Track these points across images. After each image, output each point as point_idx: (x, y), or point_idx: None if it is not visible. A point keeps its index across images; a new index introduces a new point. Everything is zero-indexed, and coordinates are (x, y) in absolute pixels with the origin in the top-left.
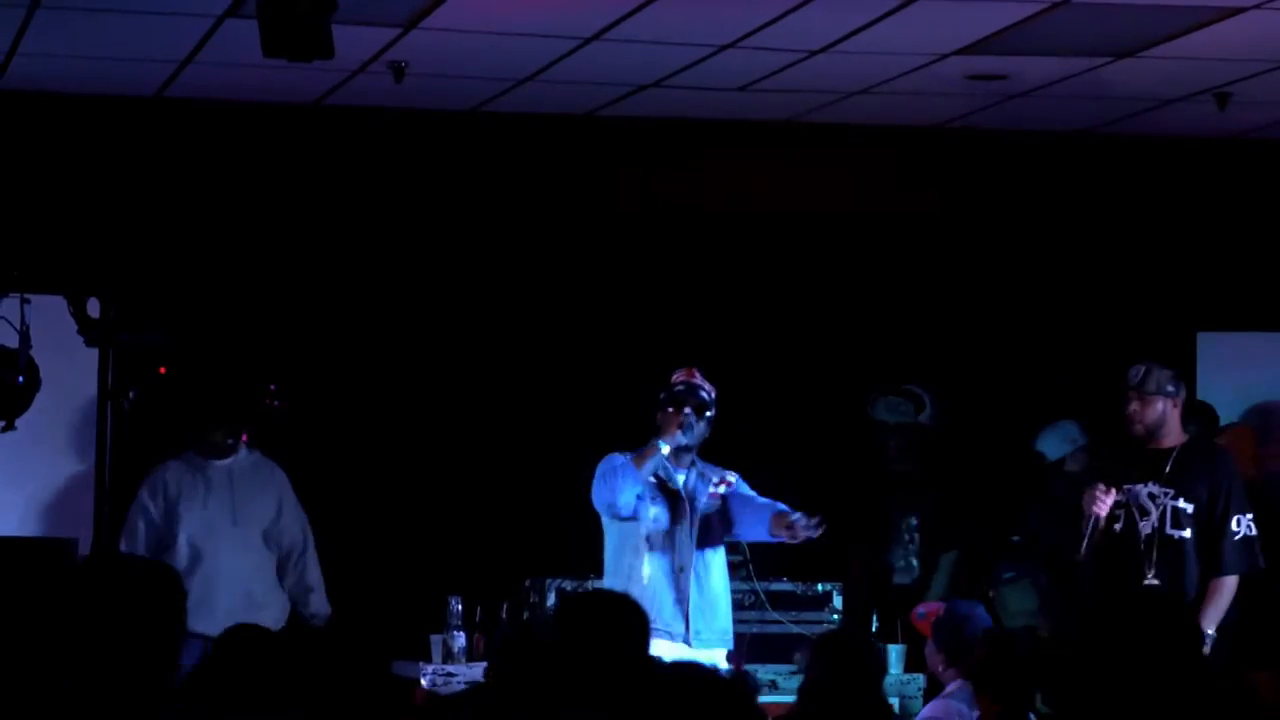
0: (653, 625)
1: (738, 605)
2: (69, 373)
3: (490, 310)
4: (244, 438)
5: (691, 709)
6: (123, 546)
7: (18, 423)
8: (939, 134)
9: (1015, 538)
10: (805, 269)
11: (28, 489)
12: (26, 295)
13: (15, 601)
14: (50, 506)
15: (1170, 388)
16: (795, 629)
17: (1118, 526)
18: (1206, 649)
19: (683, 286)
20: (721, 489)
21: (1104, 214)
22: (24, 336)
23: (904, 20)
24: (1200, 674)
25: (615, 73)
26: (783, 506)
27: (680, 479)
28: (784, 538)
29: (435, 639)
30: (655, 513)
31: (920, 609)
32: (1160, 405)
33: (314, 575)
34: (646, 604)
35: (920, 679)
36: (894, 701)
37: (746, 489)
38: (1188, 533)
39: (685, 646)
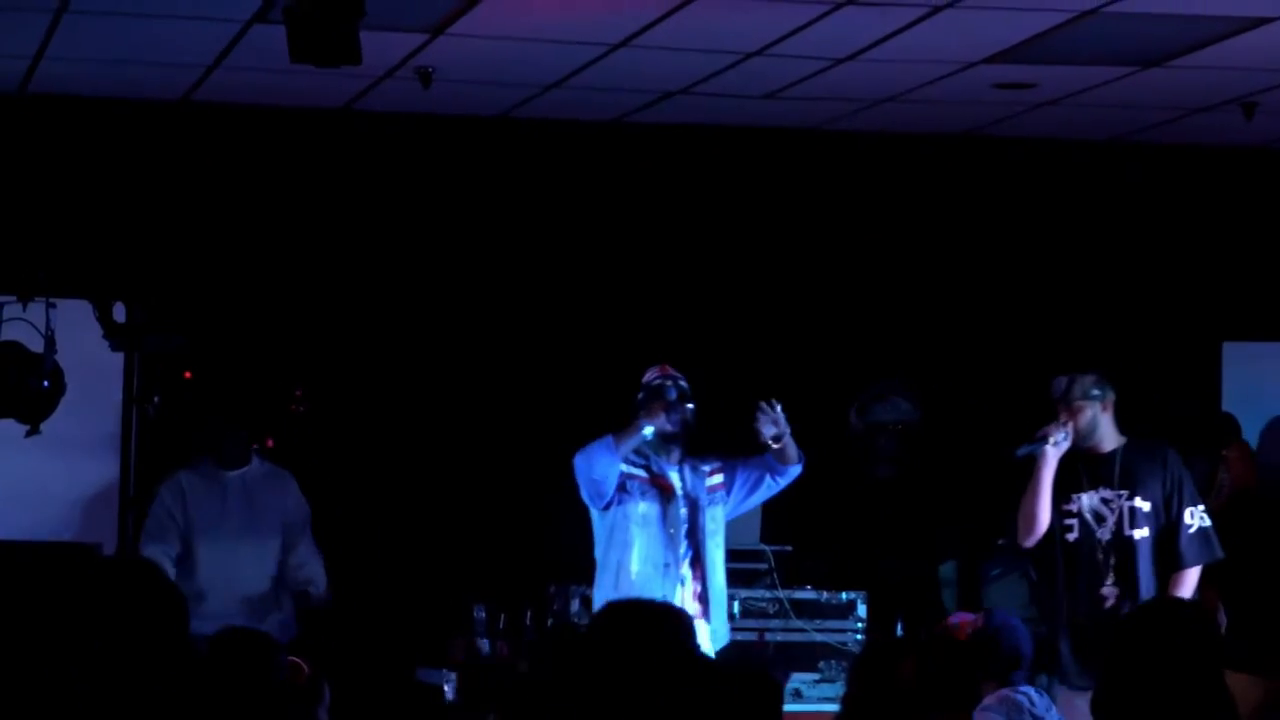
0: None
1: (761, 614)
2: (94, 377)
3: (516, 317)
4: (269, 443)
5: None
6: (144, 547)
7: (43, 427)
8: (966, 142)
9: (1000, 540)
10: (833, 277)
11: (52, 493)
12: (52, 299)
13: (38, 606)
14: (74, 511)
15: (1095, 391)
16: (819, 638)
17: (1071, 537)
18: None
19: (713, 295)
20: (718, 478)
21: (1130, 223)
22: (49, 341)
23: (931, 28)
24: (1221, 685)
25: (642, 79)
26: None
27: (674, 476)
28: (772, 456)
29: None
30: (644, 507)
31: (954, 618)
32: (1089, 411)
33: (307, 551)
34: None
35: None
36: None
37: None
38: (1146, 531)
39: None
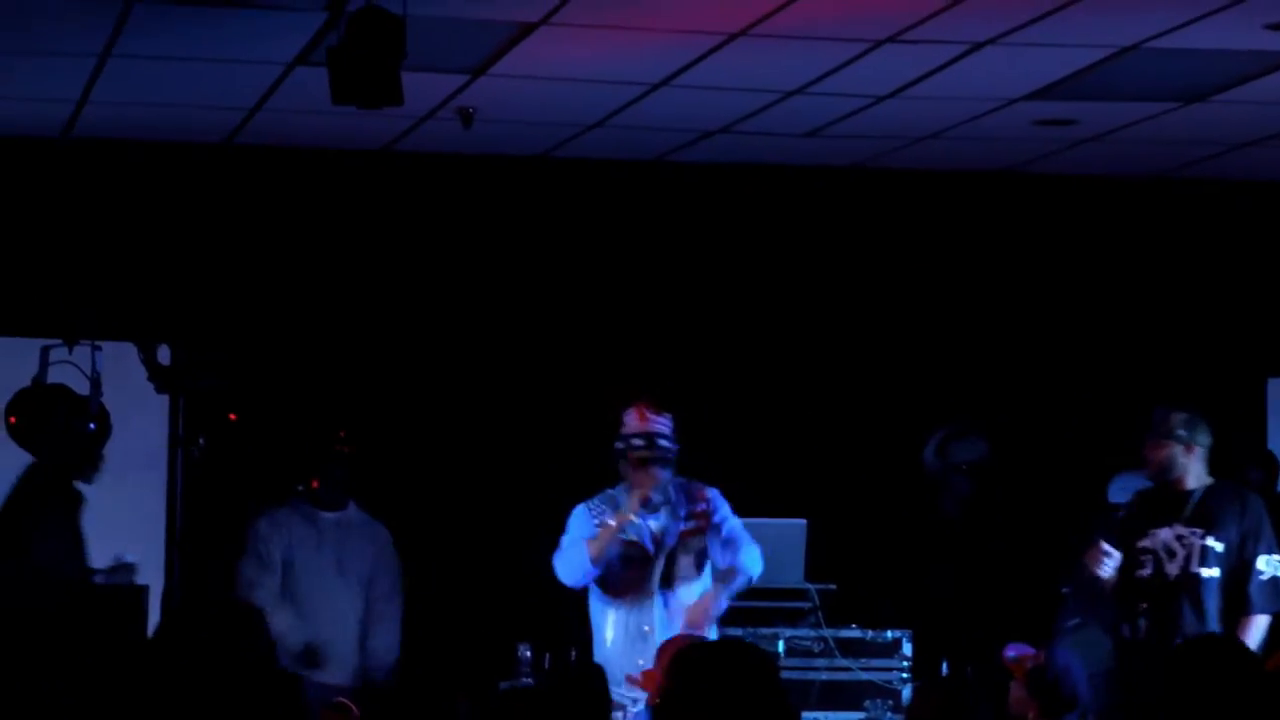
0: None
1: (806, 653)
2: (140, 419)
3: (560, 357)
4: (314, 484)
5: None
6: (251, 577)
7: None
8: (1007, 178)
9: (1065, 588)
10: (874, 316)
11: (98, 536)
12: (98, 342)
13: (87, 649)
14: (121, 554)
15: (1181, 432)
16: (864, 676)
17: (1145, 573)
18: None
19: (752, 334)
20: (700, 523)
21: (1173, 259)
22: (95, 383)
23: (972, 65)
24: None
25: (683, 119)
26: (745, 551)
27: (652, 525)
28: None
29: (504, 686)
30: (615, 568)
31: (1010, 650)
32: (1170, 449)
33: (382, 611)
34: (608, 670)
35: None
36: None
37: (725, 513)
38: (1216, 571)
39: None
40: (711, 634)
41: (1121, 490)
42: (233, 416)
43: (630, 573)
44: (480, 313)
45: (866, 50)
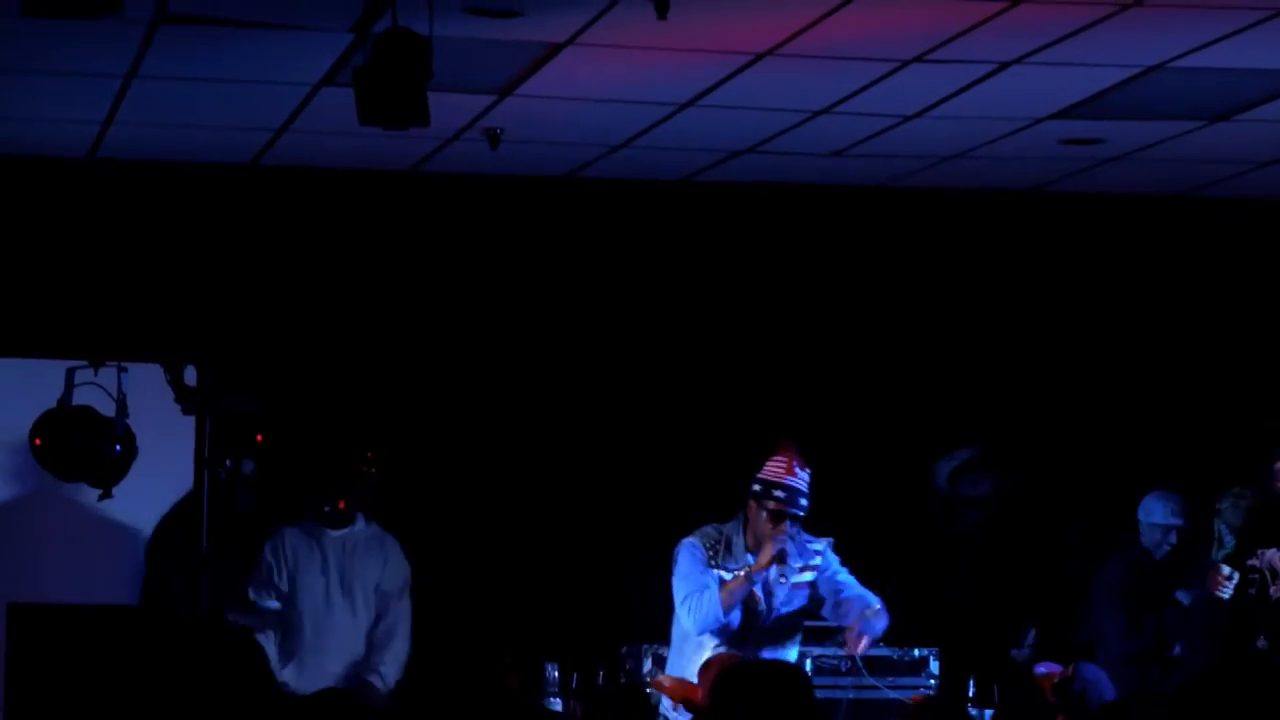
0: None
1: (833, 671)
2: (166, 441)
3: (587, 377)
4: (340, 505)
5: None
6: (251, 594)
7: (115, 490)
8: (1034, 198)
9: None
10: (901, 334)
11: (126, 557)
12: (123, 364)
13: (116, 670)
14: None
15: None
16: (892, 694)
17: (1253, 591)
18: None
19: (777, 353)
20: (807, 576)
21: (1200, 277)
22: (121, 405)
23: (998, 85)
24: None
25: (710, 138)
26: (870, 600)
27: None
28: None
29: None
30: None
31: (1040, 668)
32: None
33: (393, 622)
34: None
35: None
36: None
37: (836, 567)
38: None
39: None
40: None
41: (1147, 511)
42: (260, 438)
43: (739, 612)
44: (506, 333)
45: (893, 70)
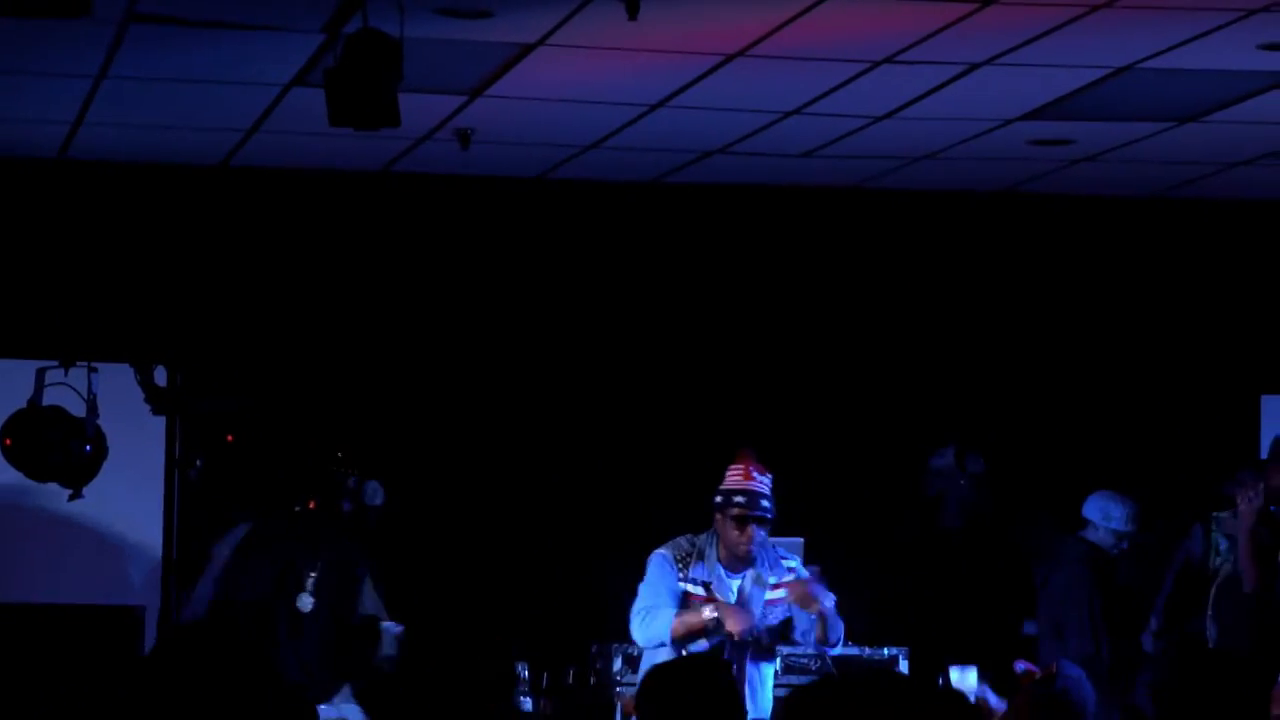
0: None
1: (803, 670)
2: (136, 441)
3: (556, 378)
4: (311, 505)
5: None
6: (194, 598)
7: (85, 490)
8: (1004, 199)
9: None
10: (872, 336)
11: (94, 557)
12: (94, 364)
13: (84, 670)
14: (117, 574)
15: None
16: None
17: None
18: None
19: (751, 354)
20: (782, 593)
21: (1168, 277)
22: (91, 405)
23: (968, 86)
24: None
25: (681, 139)
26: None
27: (734, 585)
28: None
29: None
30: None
31: (1020, 665)
32: None
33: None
34: None
35: None
36: None
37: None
38: None
39: None
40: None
41: (1106, 515)
42: (230, 438)
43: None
44: (477, 334)
45: (863, 71)
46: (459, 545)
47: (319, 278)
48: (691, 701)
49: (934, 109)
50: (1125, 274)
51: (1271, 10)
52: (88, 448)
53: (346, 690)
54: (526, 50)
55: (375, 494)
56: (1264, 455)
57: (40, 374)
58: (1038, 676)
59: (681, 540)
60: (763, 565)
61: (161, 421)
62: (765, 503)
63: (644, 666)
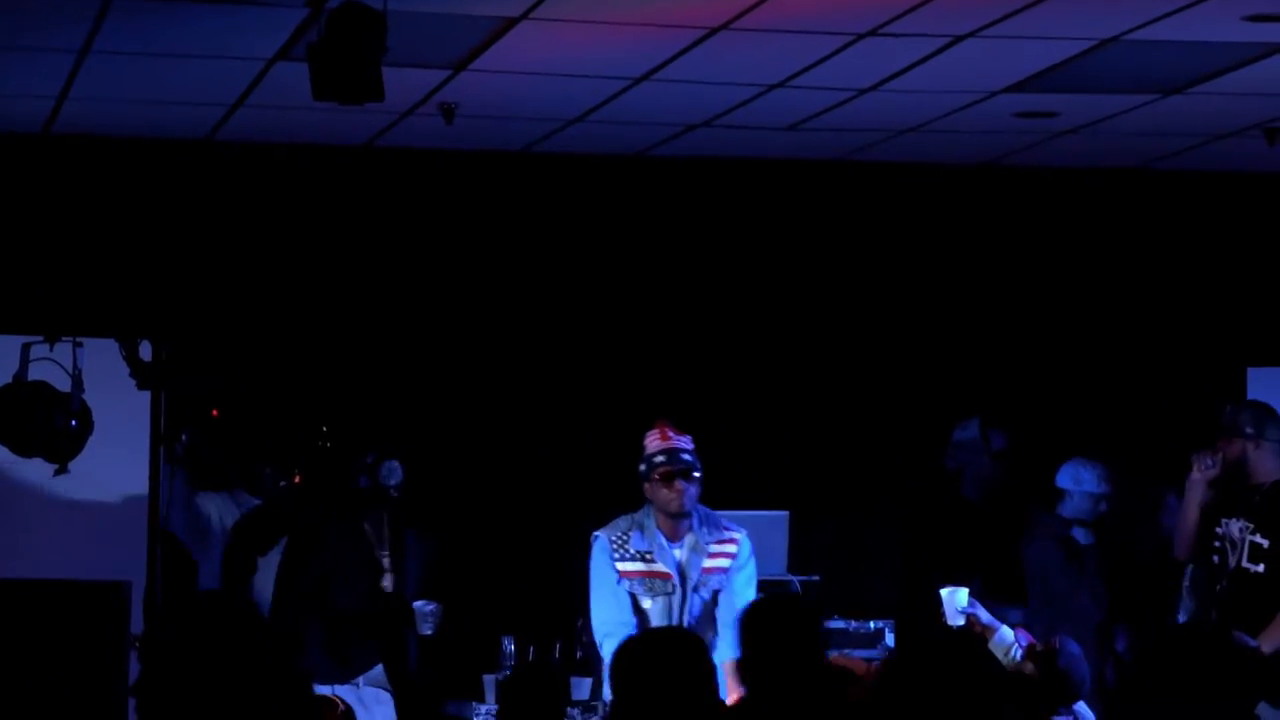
0: None
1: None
2: (121, 416)
3: (540, 352)
4: (296, 479)
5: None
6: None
7: (70, 466)
8: (989, 171)
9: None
10: (857, 309)
11: (80, 532)
12: (79, 339)
13: (70, 645)
14: (103, 550)
15: (1249, 429)
16: None
17: (1216, 559)
18: None
19: (735, 328)
20: (722, 562)
21: (1153, 250)
22: (76, 380)
23: (952, 58)
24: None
25: (665, 113)
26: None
27: (676, 555)
28: None
29: (488, 679)
30: (647, 604)
31: (1023, 636)
32: (1239, 445)
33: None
34: None
35: None
36: None
37: (749, 571)
38: (1261, 568)
39: None
40: None
41: (1078, 479)
42: (215, 413)
43: (656, 604)
44: (462, 308)
45: (847, 44)
46: (443, 519)
47: (303, 252)
48: (665, 675)
49: (919, 81)
50: (1110, 247)
51: None
52: (73, 423)
53: (377, 671)
54: (510, 24)
55: (392, 473)
56: None
57: (25, 349)
58: (1040, 650)
59: (620, 520)
60: (702, 532)
61: (147, 396)
62: (687, 457)
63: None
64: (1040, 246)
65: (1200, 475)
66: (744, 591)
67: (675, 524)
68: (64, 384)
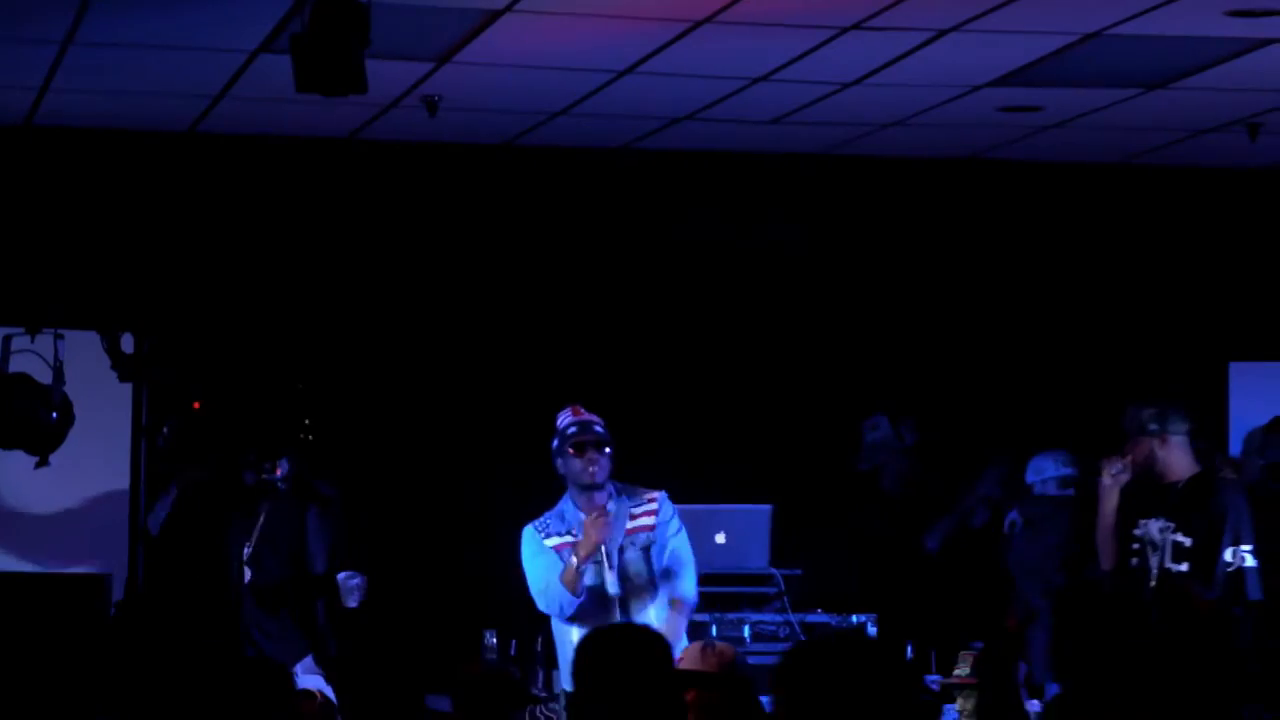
0: None
1: (771, 638)
2: (103, 408)
3: (524, 344)
4: (279, 471)
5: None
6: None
7: (52, 458)
8: (972, 165)
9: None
10: (840, 301)
11: (61, 525)
12: (60, 331)
13: (50, 638)
14: (84, 542)
15: (1152, 426)
16: None
17: (1135, 562)
18: None
19: (714, 319)
20: (644, 520)
21: (1136, 244)
22: (58, 372)
23: (936, 52)
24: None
25: (649, 106)
26: (683, 591)
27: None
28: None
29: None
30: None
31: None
32: (1146, 444)
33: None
34: None
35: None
36: None
37: (674, 525)
38: (1185, 567)
39: None
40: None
41: (1039, 470)
42: (197, 405)
43: (587, 569)
44: (444, 301)
45: (831, 37)
46: (427, 509)
47: (286, 245)
48: (625, 669)
49: (902, 75)
50: (1093, 241)
51: None
52: (54, 415)
53: (309, 660)
54: (494, 16)
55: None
56: (1232, 422)
57: (6, 341)
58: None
59: (545, 514)
60: (621, 501)
61: (128, 389)
62: (599, 429)
63: (560, 642)
64: (1024, 241)
65: (1111, 481)
66: (674, 542)
67: (590, 498)
68: (45, 376)
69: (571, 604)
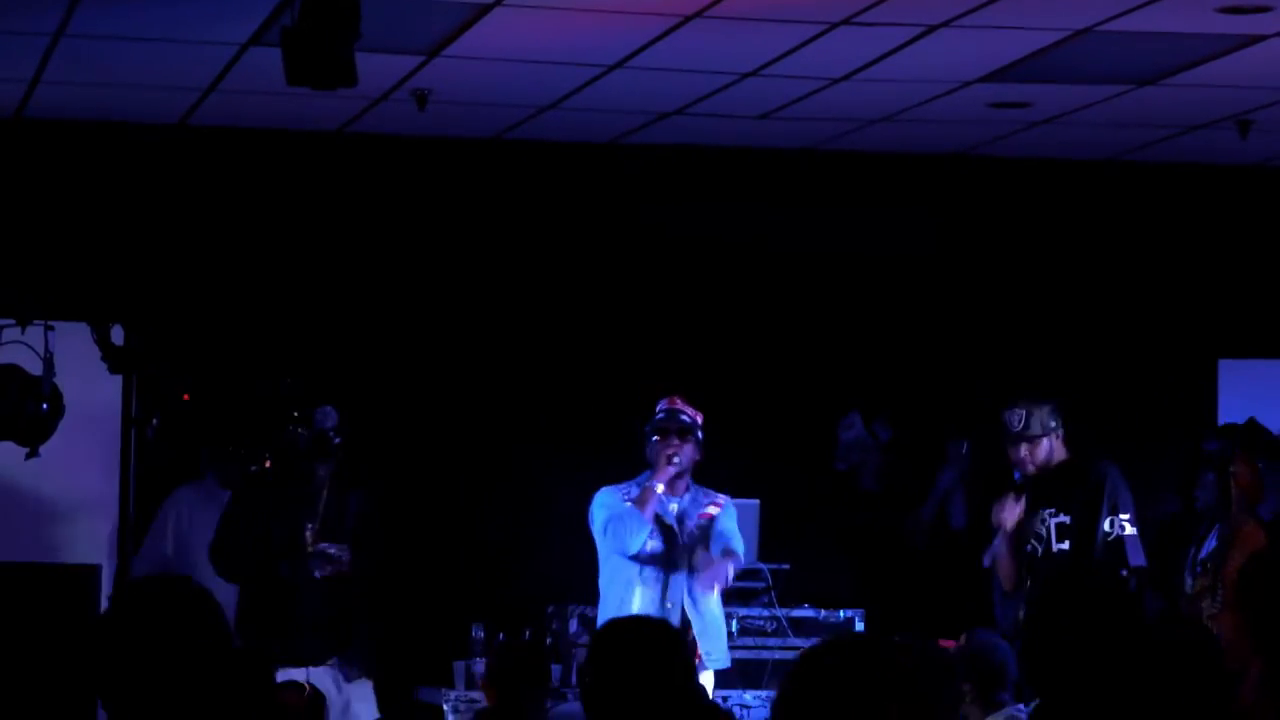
0: None
1: (759, 632)
2: (93, 400)
3: (513, 339)
4: (267, 464)
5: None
6: (143, 555)
7: (41, 449)
8: (962, 161)
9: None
10: (828, 297)
11: (51, 516)
12: (50, 322)
13: (38, 629)
14: (73, 534)
15: (1053, 423)
16: None
17: (1028, 549)
18: None
19: (703, 315)
20: (711, 510)
21: (1126, 241)
22: (48, 364)
23: (926, 48)
24: None
25: (637, 100)
26: (735, 542)
27: (673, 507)
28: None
29: (458, 665)
30: (651, 545)
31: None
32: (1047, 443)
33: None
34: None
35: None
36: None
37: (729, 523)
38: (1067, 544)
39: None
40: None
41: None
42: (186, 397)
43: (660, 544)
44: (433, 295)
45: (821, 32)
46: (415, 503)
47: (276, 237)
48: (640, 663)
49: (892, 71)
50: (1082, 237)
51: None
52: (44, 406)
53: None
54: (484, 10)
55: (326, 417)
56: (1222, 418)
57: None
58: (955, 651)
59: (628, 481)
60: (695, 504)
61: (118, 380)
62: (685, 418)
63: (603, 616)
64: (1012, 237)
65: (1010, 522)
66: (731, 526)
67: (673, 485)
68: (35, 367)
69: (641, 526)
